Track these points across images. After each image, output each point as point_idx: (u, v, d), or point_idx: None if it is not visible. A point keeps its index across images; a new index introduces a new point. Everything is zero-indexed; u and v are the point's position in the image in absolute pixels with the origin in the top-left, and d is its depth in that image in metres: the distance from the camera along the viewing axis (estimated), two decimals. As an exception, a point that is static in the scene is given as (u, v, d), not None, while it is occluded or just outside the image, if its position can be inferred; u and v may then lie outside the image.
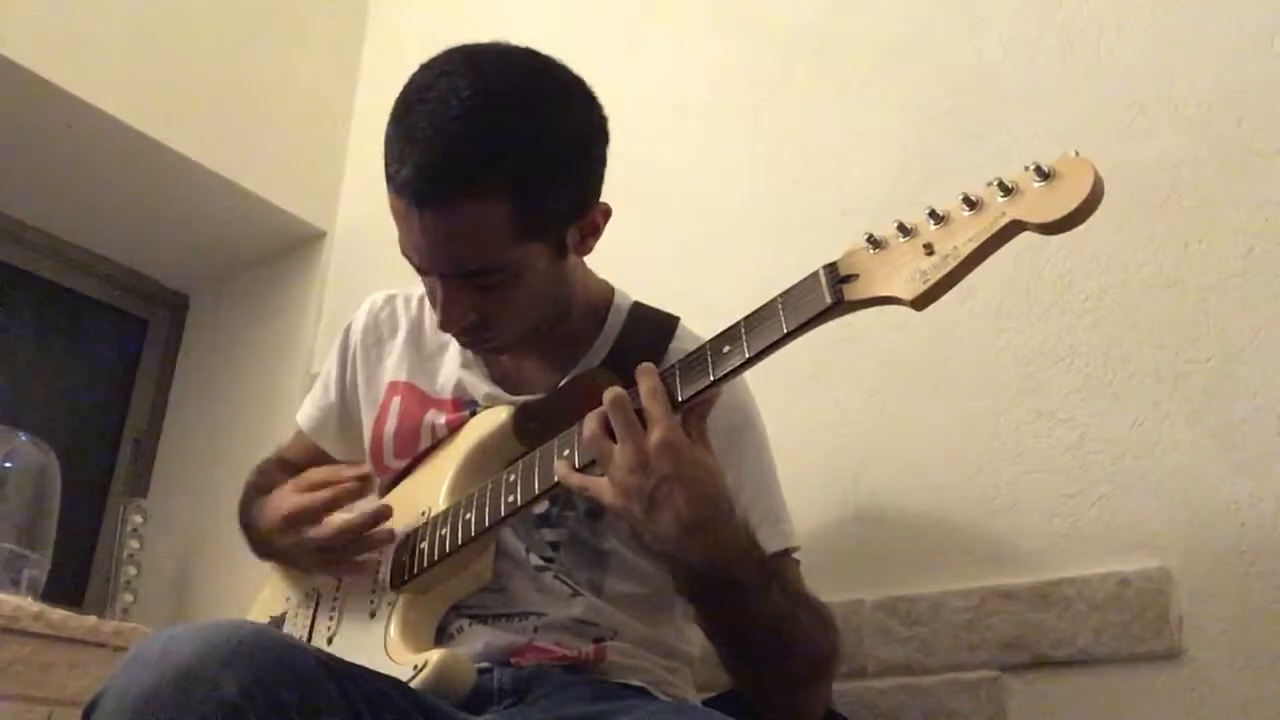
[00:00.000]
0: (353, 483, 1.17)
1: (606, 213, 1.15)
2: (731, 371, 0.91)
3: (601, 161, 1.12)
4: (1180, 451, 1.29)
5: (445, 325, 1.11)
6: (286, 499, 1.19)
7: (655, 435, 0.92)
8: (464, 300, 1.08)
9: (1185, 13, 1.43)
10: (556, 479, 1.00)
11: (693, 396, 0.94)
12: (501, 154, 1.03)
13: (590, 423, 0.96)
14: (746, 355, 0.90)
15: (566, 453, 1.01)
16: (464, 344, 1.19)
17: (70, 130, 2.11)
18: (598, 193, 1.13)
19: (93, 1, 2.12)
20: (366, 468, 1.22)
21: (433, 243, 1.05)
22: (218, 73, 2.30)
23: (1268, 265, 1.29)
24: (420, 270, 1.11)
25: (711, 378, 0.93)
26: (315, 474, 1.21)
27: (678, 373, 0.95)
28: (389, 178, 1.05)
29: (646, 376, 0.95)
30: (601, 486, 0.95)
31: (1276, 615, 1.19)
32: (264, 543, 1.24)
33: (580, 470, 0.99)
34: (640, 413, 0.94)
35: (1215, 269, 1.32)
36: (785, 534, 1.16)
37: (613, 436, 0.95)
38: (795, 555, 1.17)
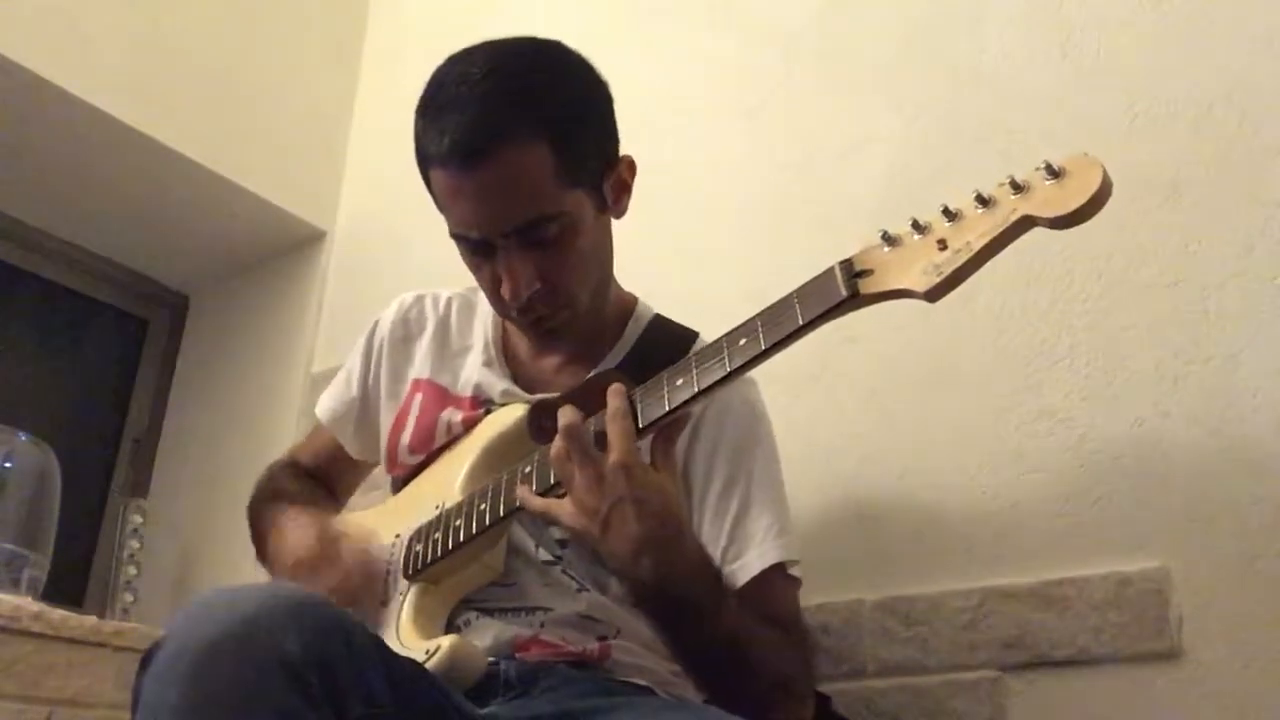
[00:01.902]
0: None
1: (632, 166, 1.19)
2: (746, 364, 0.93)
3: (615, 117, 1.17)
4: (1180, 451, 1.29)
5: (514, 295, 1.11)
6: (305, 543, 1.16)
7: (613, 457, 0.94)
8: (527, 264, 1.10)
9: (1185, 13, 1.43)
10: (518, 503, 1.02)
11: (664, 415, 0.96)
12: (532, 100, 1.07)
13: (557, 443, 0.98)
14: (762, 346, 0.92)
15: (528, 469, 1.04)
16: (530, 323, 1.16)
17: (70, 127, 2.11)
18: (619, 145, 1.17)
19: (92, 1, 2.12)
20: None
21: (487, 201, 1.07)
22: (218, 73, 2.30)
23: (1268, 265, 1.29)
24: (477, 248, 1.12)
25: (668, 404, 0.95)
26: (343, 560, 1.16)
27: (643, 393, 0.98)
28: (431, 160, 1.09)
29: (614, 397, 0.97)
30: (562, 508, 0.98)
31: (1276, 615, 1.19)
32: (273, 561, 1.23)
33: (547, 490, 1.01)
34: (602, 433, 0.96)
35: (1215, 269, 1.32)
36: (790, 546, 1.16)
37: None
38: (795, 571, 1.16)
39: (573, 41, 1.16)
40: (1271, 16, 1.37)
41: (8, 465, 1.94)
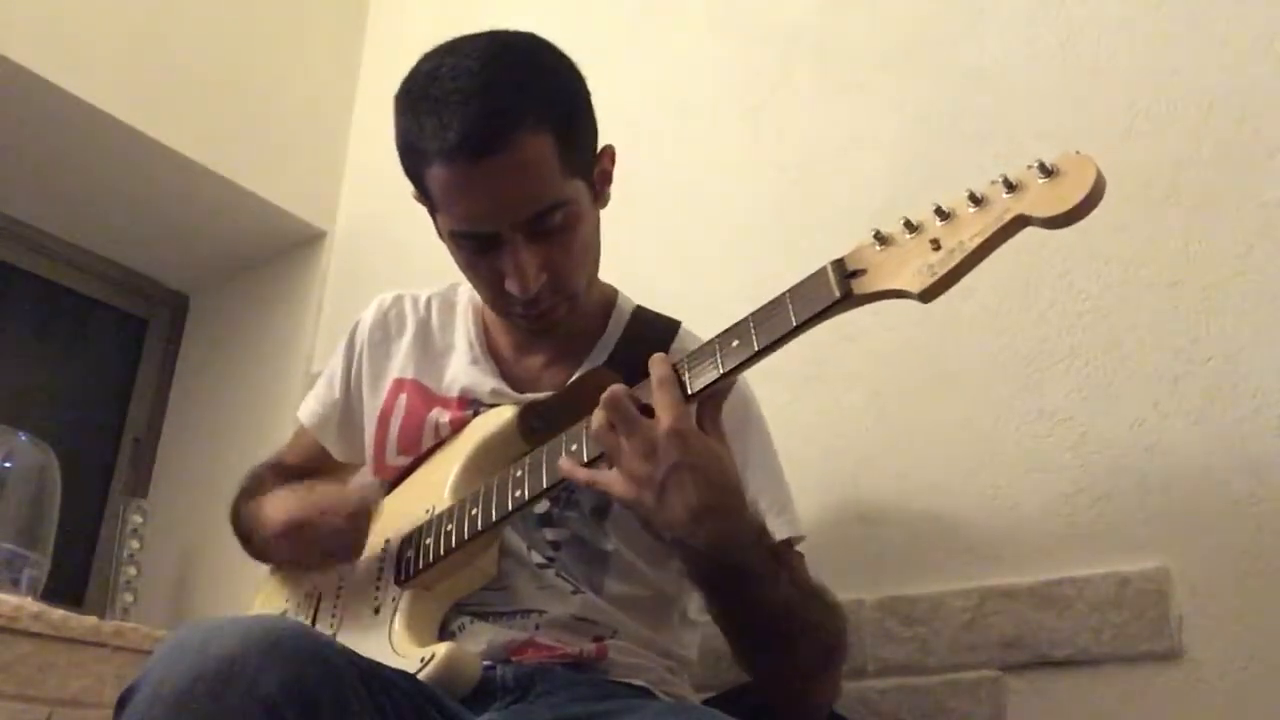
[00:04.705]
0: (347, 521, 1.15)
1: (613, 156, 1.20)
2: (741, 364, 0.92)
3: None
4: (1180, 451, 1.29)
5: (524, 289, 1.10)
6: (289, 505, 1.18)
7: (665, 423, 0.92)
8: (536, 255, 1.09)
9: (1185, 13, 1.43)
10: (561, 474, 1.00)
11: (704, 388, 0.94)
12: (533, 90, 1.07)
13: (598, 416, 0.96)
14: (755, 348, 0.91)
15: (575, 447, 1.01)
16: (534, 317, 1.16)
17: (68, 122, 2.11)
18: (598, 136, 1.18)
19: (92, 1, 2.12)
20: (367, 494, 1.19)
21: (501, 190, 1.06)
22: (217, 73, 2.30)
23: (1268, 265, 1.29)
24: (480, 244, 1.10)
25: (720, 370, 0.93)
26: (323, 498, 1.18)
27: (686, 365, 0.96)
28: (430, 156, 1.06)
29: (658, 365, 0.96)
30: (610, 478, 0.96)
31: (1276, 615, 1.19)
32: (263, 547, 1.24)
33: (587, 465, 0.99)
34: (646, 404, 0.95)
35: (1215, 269, 1.32)
36: (793, 522, 1.18)
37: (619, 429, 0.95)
38: (799, 548, 1.18)
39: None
40: (1272, 16, 1.37)
41: (8, 465, 1.94)
